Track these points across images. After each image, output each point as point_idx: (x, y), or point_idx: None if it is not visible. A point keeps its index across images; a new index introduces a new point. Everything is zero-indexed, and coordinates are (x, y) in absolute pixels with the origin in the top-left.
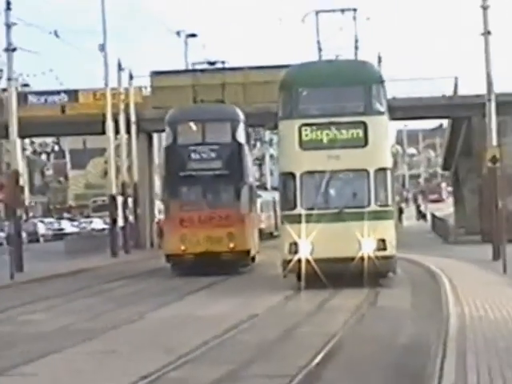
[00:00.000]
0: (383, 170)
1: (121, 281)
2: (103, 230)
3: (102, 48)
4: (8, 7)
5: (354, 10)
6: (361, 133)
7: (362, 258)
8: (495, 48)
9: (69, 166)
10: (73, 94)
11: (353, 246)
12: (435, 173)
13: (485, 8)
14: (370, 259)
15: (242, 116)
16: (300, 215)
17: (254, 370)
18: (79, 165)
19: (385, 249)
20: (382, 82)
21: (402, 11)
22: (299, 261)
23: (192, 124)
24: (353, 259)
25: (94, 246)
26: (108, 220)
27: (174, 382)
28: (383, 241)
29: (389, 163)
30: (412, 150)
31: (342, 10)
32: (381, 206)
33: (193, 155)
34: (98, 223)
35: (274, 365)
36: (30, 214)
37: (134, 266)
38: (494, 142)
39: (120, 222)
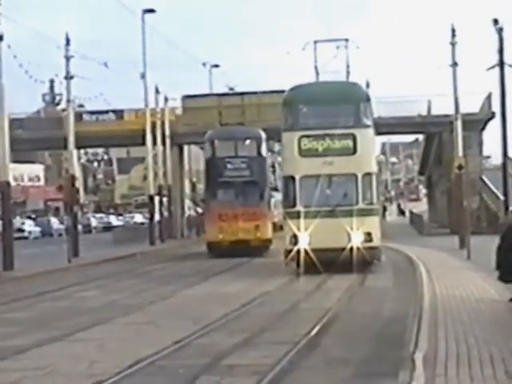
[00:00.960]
0: (369, 174)
1: (158, 264)
2: (143, 223)
3: (143, 76)
4: (67, 43)
5: (346, 40)
6: (351, 143)
7: (351, 249)
8: (462, 75)
9: (115, 171)
10: (119, 114)
11: (343, 238)
12: (413, 178)
13: (453, 44)
14: (359, 249)
15: (263, 135)
16: (299, 212)
17: (265, 338)
18: (124, 170)
19: (371, 240)
20: (368, 100)
21: (387, 41)
22: (298, 250)
23: (227, 141)
24: (343, 249)
25: (135, 237)
26: (147, 215)
27: (201, 347)
28: (369, 234)
29: (374, 168)
30: (394, 159)
31: (336, 40)
32: (367, 204)
33: (228, 165)
34: (138, 218)
35: (281, 333)
36: (85, 210)
37: (168, 252)
38: (460, 153)
39: (157, 217)
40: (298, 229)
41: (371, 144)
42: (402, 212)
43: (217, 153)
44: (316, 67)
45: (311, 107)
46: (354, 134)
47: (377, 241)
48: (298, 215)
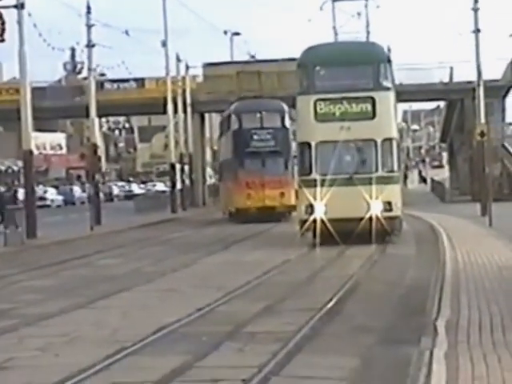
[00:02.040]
0: (389, 139)
1: (179, 233)
2: (164, 191)
3: (164, 44)
4: (88, 11)
5: None
6: (369, 107)
7: (370, 218)
8: (484, 41)
9: (137, 139)
10: (140, 82)
11: (362, 208)
12: (434, 145)
13: (475, 10)
14: (378, 219)
15: (287, 108)
16: (315, 180)
17: (287, 305)
18: (145, 139)
19: (391, 210)
20: (389, 61)
21: (408, 5)
22: (314, 221)
23: (253, 114)
24: (362, 219)
25: (157, 205)
26: (168, 183)
27: (223, 314)
28: (389, 203)
29: (394, 134)
30: (415, 126)
31: None
32: (387, 171)
33: (254, 136)
34: (160, 186)
35: (303, 300)
36: (106, 179)
37: (189, 220)
38: (482, 120)
39: (178, 185)
40: (314, 198)
41: (391, 108)
42: (423, 179)
43: (243, 124)
44: (334, 28)
45: (327, 69)
46: (373, 98)
47: (397, 210)
48: (313, 183)
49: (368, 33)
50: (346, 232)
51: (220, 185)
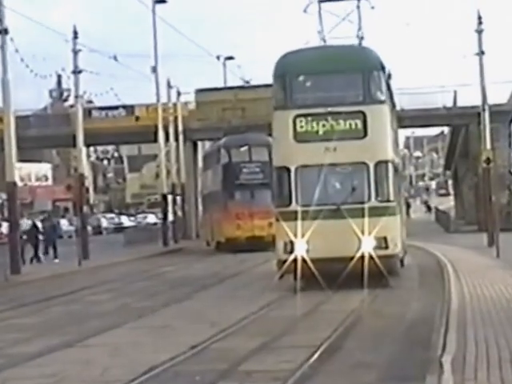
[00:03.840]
0: (384, 162)
1: (171, 266)
2: (155, 223)
3: (154, 70)
4: (75, 36)
5: None
6: (359, 123)
7: (361, 258)
8: (488, 64)
9: (126, 169)
10: (130, 109)
11: (352, 245)
12: (438, 173)
13: (479, 32)
14: (371, 259)
15: None
16: (295, 212)
17: (284, 342)
18: (135, 168)
19: (386, 247)
20: (382, 68)
21: (410, 29)
22: (295, 261)
23: (242, 148)
24: (352, 258)
25: (148, 238)
26: (160, 215)
27: (218, 352)
28: (384, 238)
29: (390, 155)
30: (418, 153)
31: None
32: (381, 201)
33: (244, 170)
34: (151, 218)
35: (300, 337)
36: (95, 211)
37: (181, 254)
38: (488, 146)
39: (170, 217)
40: (294, 233)
41: (386, 125)
42: (429, 208)
43: (233, 158)
44: (321, 32)
45: (309, 78)
46: (364, 112)
47: (394, 247)
48: (293, 216)
49: (361, 38)
50: (333, 274)
51: (204, 216)
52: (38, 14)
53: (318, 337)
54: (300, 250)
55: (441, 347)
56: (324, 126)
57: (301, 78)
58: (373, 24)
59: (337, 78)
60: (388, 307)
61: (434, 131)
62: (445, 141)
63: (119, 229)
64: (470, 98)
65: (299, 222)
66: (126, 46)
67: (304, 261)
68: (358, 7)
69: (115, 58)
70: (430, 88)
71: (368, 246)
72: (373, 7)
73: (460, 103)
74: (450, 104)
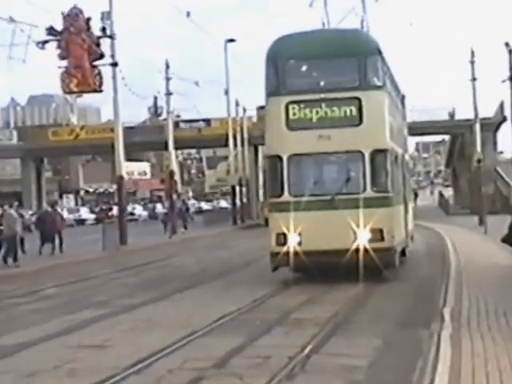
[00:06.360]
0: (380, 151)
1: (239, 240)
2: (226, 208)
3: (226, 92)
4: (167, 67)
5: None
6: (354, 110)
7: (356, 250)
8: (480, 85)
9: (205, 167)
10: (207, 122)
11: (346, 237)
12: (440, 170)
13: (472, 63)
14: (366, 252)
15: None
16: (288, 203)
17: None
18: (212, 166)
19: (382, 239)
20: (379, 53)
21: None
22: (288, 253)
23: None
24: (346, 251)
25: (221, 218)
26: (230, 201)
27: (273, 305)
28: (380, 231)
29: (387, 144)
30: (425, 155)
31: None
32: (378, 191)
33: None
34: (223, 203)
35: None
36: (182, 198)
37: (247, 230)
38: (479, 150)
39: (237, 203)
40: (287, 225)
41: (383, 111)
42: (441, 195)
43: None
44: (323, 25)
45: (302, 63)
46: (359, 98)
47: (390, 240)
48: (286, 207)
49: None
50: (327, 267)
51: (263, 202)
52: (139, 50)
53: (346, 295)
54: (292, 243)
55: (442, 302)
56: (318, 112)
57: (294, 63)
58: (378, 20)
59: (331, 63)
60: (405, 268)
61: (437, 138)
62: (446, 145)
63: (200, 211)
64: (465, 113)
65: (292, 214)
66: (205, 73)
67: (296, 254)
68: (363, 1)
69: (197, 84)
70: (435, 105)
71: (363, 239)
72: (377, 0)
73: (458, 116)
74: (450, 117)
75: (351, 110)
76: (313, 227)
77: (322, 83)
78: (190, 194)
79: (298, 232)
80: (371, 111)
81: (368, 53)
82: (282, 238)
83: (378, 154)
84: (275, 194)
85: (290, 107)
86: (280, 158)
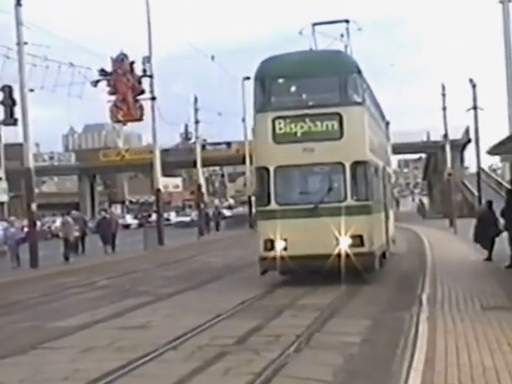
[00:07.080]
0: (360, 163)
1: (254, 241)
2: (243, 214)
3: (243, 120)
4: (195, 101)
5: (347, 21)
6: (336, 124)
7: (338, 255)
8: (450, 113)
9: (227, 181)
10: (229, 144)
11: (329, 243)
12: (418, 182)
13: (443, 95)
14: (348, 256)
15: None
16: (275, 211)
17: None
18: (232, 180)
19: (362, 245)
20: (358, 72)
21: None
22: (275, 258)
23: None
24: (329, 256)
25: (239, 223)
26: (246, 208)
27: (283, 293)
28: (360, 237)
29: (367, 156)
30: (405, 170)
31: (336, 22)
32: (358, 200)
33: None
34: (241, 210)
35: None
36: (214, 205)
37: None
38: (449, 165)
39: (253, 210)
40: (273, 232)
41: (363, 126)
42: (421, 202)
43: None
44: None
45: (286, 82)
46: (340, 114)
47: (370, 245)
48: (272, 215)
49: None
50: (312, 271)
51: None
52: (172, 86)
53: (338, 286)
54: (279, 248)
55: (420, 289)
56: (302, 127)
57: (279, 81)
58: (362, 45)
59: (314, 81)
60: (387, 263)
61: (415, 156)
62: (422, 162)
63: (222, 217)
64: (438, 135)
65: (278, 221)
66: (227, 105)
67: (283, 259)
68: (347, 29)
69: (220, 114)
70: (413, 130)
71: (344, 244)
72: (360, 29)
73: (432, 138)
74: (425, 139)
75: (333, 125)
76: (298, 234)
77: (305, 100)
78: (217, 202)
79: (284, 238)
80: (351, 125)
81: (348, 72)
82: (270, 244)
83: (358, 165)
84: (263, 203)
85: (277, 122)
86: (267, 170)
